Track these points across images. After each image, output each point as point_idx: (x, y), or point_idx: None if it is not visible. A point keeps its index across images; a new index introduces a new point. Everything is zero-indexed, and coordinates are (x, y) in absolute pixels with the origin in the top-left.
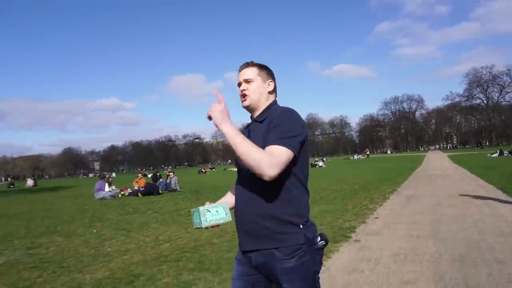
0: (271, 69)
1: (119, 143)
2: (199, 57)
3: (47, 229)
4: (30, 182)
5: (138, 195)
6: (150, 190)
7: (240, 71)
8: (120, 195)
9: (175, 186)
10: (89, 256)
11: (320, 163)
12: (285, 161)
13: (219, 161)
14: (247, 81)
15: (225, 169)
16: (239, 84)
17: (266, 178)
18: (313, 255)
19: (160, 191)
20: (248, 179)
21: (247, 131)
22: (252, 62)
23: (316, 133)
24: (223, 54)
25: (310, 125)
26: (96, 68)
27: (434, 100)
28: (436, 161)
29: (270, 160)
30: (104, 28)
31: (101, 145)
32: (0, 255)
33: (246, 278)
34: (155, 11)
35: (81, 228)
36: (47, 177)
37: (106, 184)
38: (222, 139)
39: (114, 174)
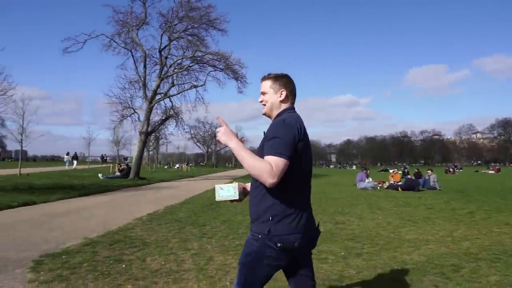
0: (288, 77)
1: (354, 137)
2: (441, 44)
3: (336, 209)
4: None
5: (397, 189)
6: (411, 186)
7: (261, 83)
8: (378, 187)
9: (434, 184)
10: (392, 239)
11: None
12: (282, 169)
13: (466, 162)
14: (263, 93)
15: (477, 171)
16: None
17: (268, 185)
18: (262, 247)
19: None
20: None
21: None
22: (268, 75)
23: None
24: (470, 38)
25: None
26: (334, 66)
27: None
28: None
29: (270, 170)
30: (343, 29)
31: (337, 139)
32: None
33: None
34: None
35: (364, 213)
36: None
37: (365, 175)
38: (468, 136)
39: (354, 167)
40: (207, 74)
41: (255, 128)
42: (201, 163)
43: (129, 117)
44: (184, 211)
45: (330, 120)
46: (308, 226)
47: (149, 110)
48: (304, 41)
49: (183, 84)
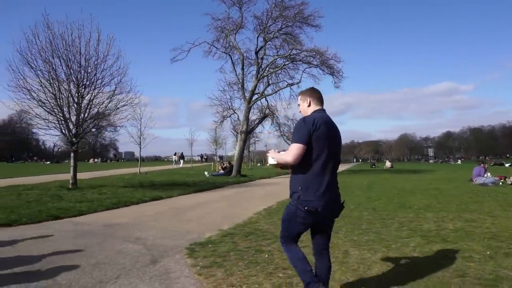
0: (312, 88)
1: (455, 129)
2: None
3: (458, 206)
4: (388, 164)
5: None
6: None
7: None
8: (500, 183)
9: None
10: None
11: None
12: (295, 151)
13: None
14: (299, 105)
15: None
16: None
17: (290, 163)
18: (296, 208)
19: None
20: None
21: None
22: (300, 92)
23: None
24: None
25: None
26: (429, 55)
27: None
28: None
29: (288, 154)
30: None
31: (435, 131)
32: (444, 222)
33: None
34: None
35: (496, 211)
36: (385, 160)
37: (483, 170)
38: None
39: (458, 162)
40: (303, 72)
41: (341, 123)
42: None
43: (228, 118)
44: None
45: (426, 111)
46: (330, 199)
47: (248, 110)
48: (398, 29)
49: (278, 83)
